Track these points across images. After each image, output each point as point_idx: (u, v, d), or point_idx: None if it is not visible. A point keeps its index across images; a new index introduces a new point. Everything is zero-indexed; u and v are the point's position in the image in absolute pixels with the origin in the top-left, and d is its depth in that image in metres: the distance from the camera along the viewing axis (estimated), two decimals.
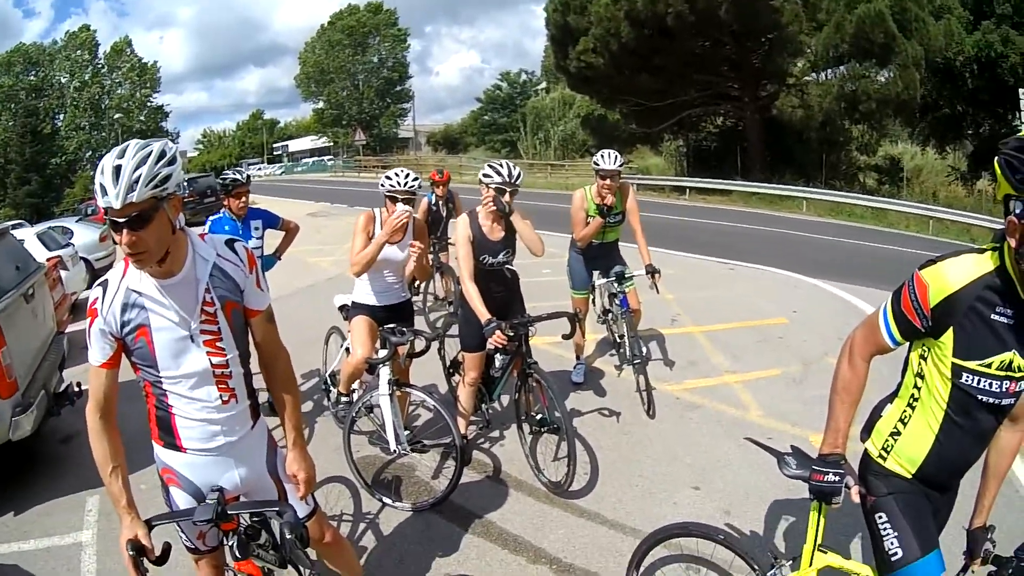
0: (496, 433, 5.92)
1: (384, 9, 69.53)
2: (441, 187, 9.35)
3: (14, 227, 11.49)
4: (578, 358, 7.05)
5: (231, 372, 2.59)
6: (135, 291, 2.41)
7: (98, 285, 2.47)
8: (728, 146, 32.49)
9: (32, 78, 62.31)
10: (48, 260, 9.66)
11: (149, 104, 66.62)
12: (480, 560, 4.29)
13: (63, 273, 10.72)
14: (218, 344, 2.53)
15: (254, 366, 2.75)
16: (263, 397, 2.91)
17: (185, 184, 27.32)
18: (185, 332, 2.45)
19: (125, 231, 2.19)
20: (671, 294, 9.66)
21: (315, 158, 67.74)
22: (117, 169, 2.17)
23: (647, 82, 28.75)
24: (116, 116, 61.18)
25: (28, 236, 12.86)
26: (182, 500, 2.70)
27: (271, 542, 2.83)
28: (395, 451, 4.79)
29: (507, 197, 4.93)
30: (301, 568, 3.04)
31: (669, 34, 26.22)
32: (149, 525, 2.49)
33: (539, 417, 5.11)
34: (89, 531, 5.18)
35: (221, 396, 2.59)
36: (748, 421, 5.98)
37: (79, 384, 6.53)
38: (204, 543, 2.82)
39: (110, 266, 17.17)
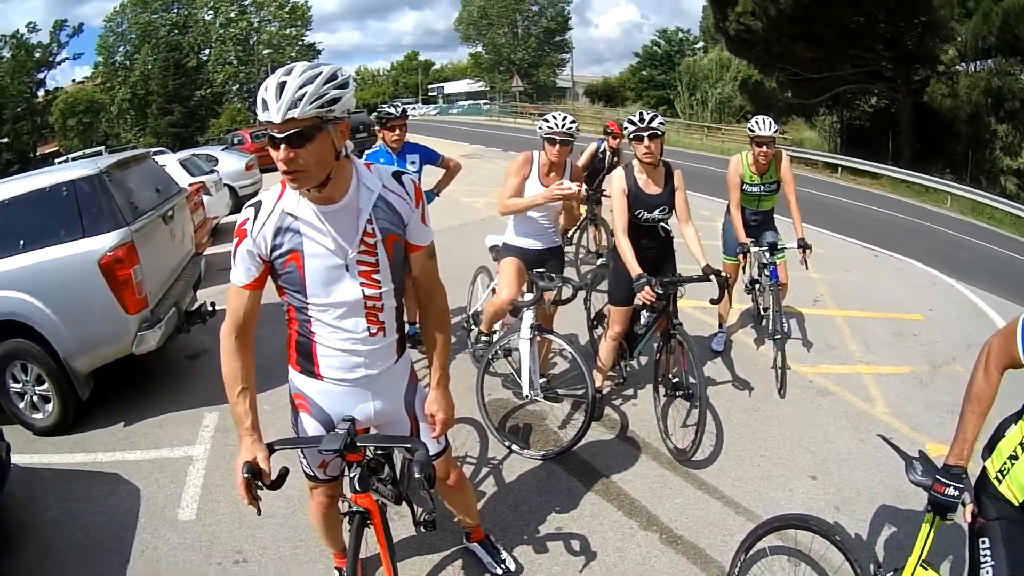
0: (630, 391, 5.84)
1: None
2: (616, 139, 9.25)
3: (156, 154, 11.98)
4: (720, 326, 6.89)
5: (383, 305, 2.54)
6: (291, 215, 2.37)
7: (250, 206, 2.43)
8: (880, 128, 31.00)
9: (174, 15, 63.93)
10: (191, 185, 10.04)
11: (301, 42, 67.48)
12: (593, 518, 4.25)
13: (206, 198, 11.15)
14: (374, 276, 2.47)
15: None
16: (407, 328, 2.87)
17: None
18: (341, 261, 2.40)
19: (283, 147, 2.14)
20: (816, 273, 9.35)
21: (470, 101, 67.36)
22: (282, 85, 2.12)
23: (804, 50, 27.69)
24: (266, 52, 62.40)
25: (170, 162, 13.40)
26: (311, 427, 2.69)
27: (391, 477, 2.78)
28: (527, 396, 4.80)
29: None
30: (415, 505, 3.00)
31: (826, 3, 25.12)
32: (271, 449, 2.46)
33: (675, 380, 5.00)
34: (202, 446, 5.36)
35: (369, 328, 2.54)
36: (872, 416, 5.71)
37: (213, 304, 6.78)
38: (325, 472, 2.82)
39: (254, 194, 17.95)
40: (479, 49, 70.91)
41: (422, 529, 2.88)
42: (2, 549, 4.40)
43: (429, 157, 6.30)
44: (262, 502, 2.42)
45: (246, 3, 66.05)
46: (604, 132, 9.52)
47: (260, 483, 2.39)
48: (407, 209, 2.52)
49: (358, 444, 2.48)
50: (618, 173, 4.99)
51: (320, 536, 3.35)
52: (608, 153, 9.40)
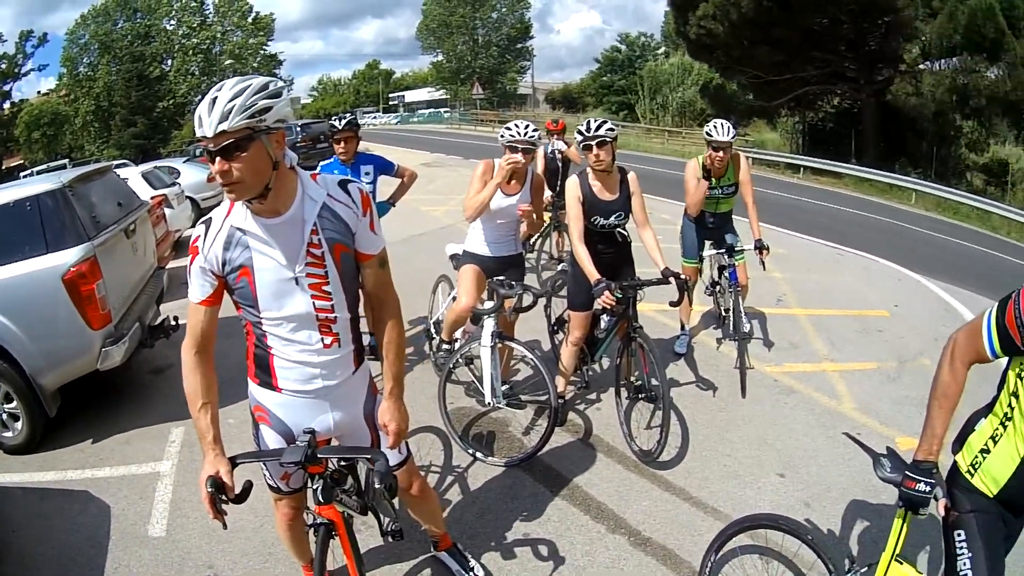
0: (593, 396, 5.88)
1: None
2: (557, 136, 9.39)
3: (118, 166, 11.89)
4: (683, 328, 6.94)
5: (336, 317, 2.55)
6: (239, 229, 2.39)
7: (202, 223, 2.47)
8: (843, 128, 31.52)
9: (137, 23, 63.44)
10: (152, 198, 10.00)
11: (263, 52, 67.38)
12: (561, 523, 4.27)
13: (167, 211, 11.15)
14: (324, 288, 2.48)
15: (363, 310, 2.71)
16: (366, 339, 2.88)
17: (298, 128, 28.07)
18: (289, 274, 2.42)
19: (218, 159, 2.18)
20: (779, 273, 9.46)
21: (431, 110, 67.77)
22: (213, 100, 2.17)
23: (766, 54, 27.99)
24: (228, 63, 62.12)
25: (133, 175, 13.36)
26: (271, 439, 2.71)
27: (355, 488, 2.79)
28: (490, 404, 4.81)
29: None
30: (381, 516, 3.03)
31: (788, 7, 25.49)
32: (233, 463, 2.47)
33: (638, 383, 5.04)
34: (169, 462, 5.34)
35: (323, 339, 2.56)
36: (840, 413, 5.79)
37: (176, 318, 6.75)
38: (288, 484, 2.84)
39: (217, 206, 17.92)
40: (440, 58, 71.45)
41: (389, 539, 2.90)
42: None
43: (384, 167, 6.31)
44: (229, 516, 2.43)
45: (208, 13, 65.87)
46: (548, 134, 9.58)
47: (224, 497, 2.40)
48: (353, 218, 2.51)
49: (319, 456, 2.49)
50: (572, 181, 5.02)
51: (288, 548, 3.35)
52: (557, 152, 9.45)
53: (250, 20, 66.36)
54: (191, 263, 2.45)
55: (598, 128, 4.76)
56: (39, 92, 69.54)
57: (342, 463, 2.72)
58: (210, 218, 2.47)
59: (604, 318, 5.32)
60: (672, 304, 5.06)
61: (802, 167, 28.62)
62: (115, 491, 5.02)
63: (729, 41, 28.33)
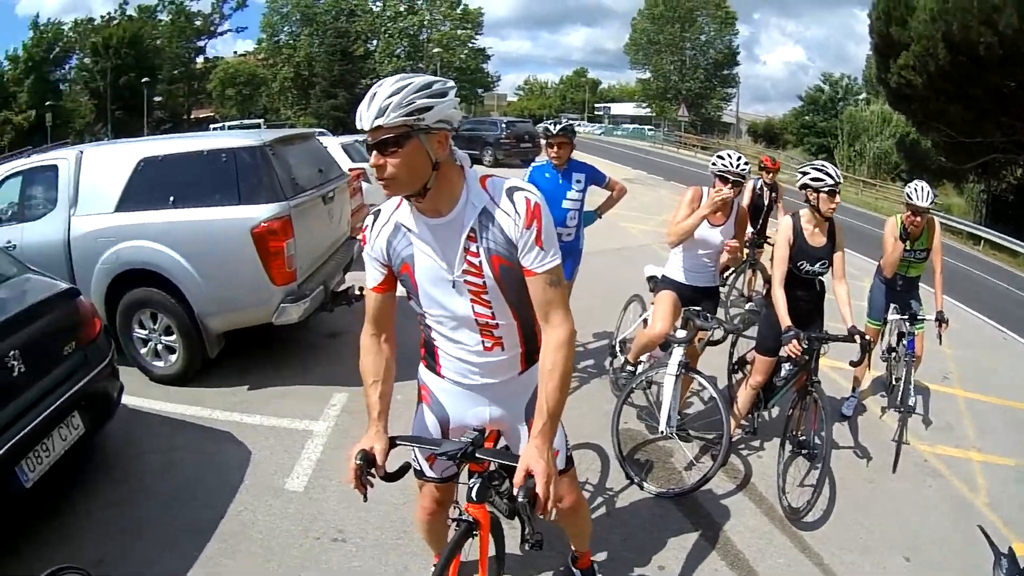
0: (757, 442, 5.73)
1: None
2: (770, 174, 9.21)
3: (319, 134, 12.22)
4: (853, 390, 6.69)
5: (497, 323, 2.49)
6: (404, 225, 2.41)
7: (371, 213, 2.51)
8: None
9: (337, 1, 65.52)
10: (351, 170, 10.19)
11: (471, 45, 68.47)
12: (697, 564, 4.18)
13: (364, 184, 11.27)
14: (483, 296, 2.42)
15: None
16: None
17: (503, 125, 28.92)
18: (448, 277, 2.39)
19: (374, 153, 2.19)
20: (948, 348, 8.97)
21: (635, 125, 67.18)
22: (373, 95, 2.17)
23: (959, 113, 26.42)
24: (436, 51, 63.20)
25: (333, 145, 13.51)
26: (429, 422, 2.75)
27: (508, 491, 2.74)
28: (662, 432, 4.78)
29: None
30: (528, 522, 3.00)
31: (980, 63, 24.01)
32: (393, 443, 2.49)
33: (802, 438, 4.93)
34: (325, 423, 5.46)
35: (483, 343, 2.53)
36: (972, 504, 5.48)
37: (360, 289, 6.86)
38: (431, 469, 2.82)
39: None
40: (647, 75, 70.95)
41: (527, 547, 2.88)
42: (85, 480, 4.63)
43: (595, 178, 6.17)
44: (376, 489, 2.45)
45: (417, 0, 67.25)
46: (759, 168, 9.44)
47: (373, 472, 2.41)
48: (515, 229, 2.33)
49: (477, 455, 2.46)
50: (786, 222, 5.01)
51: (422, 536, 3.36)
52: (765, 189, 9.27)
53: (459, 11, 67.49)
54: (362, 251, 2.52)
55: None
56: (235, 52, 73.96)
57: (502, 466, 2.65)
58: (379, 209, 2.51)
59: (785, 366, 5.24)
60: (852, 364, 4.95)
61: (983, 239, 27.05)
62: (261, 439, 5.21)
63: (927, 94, 26.91)
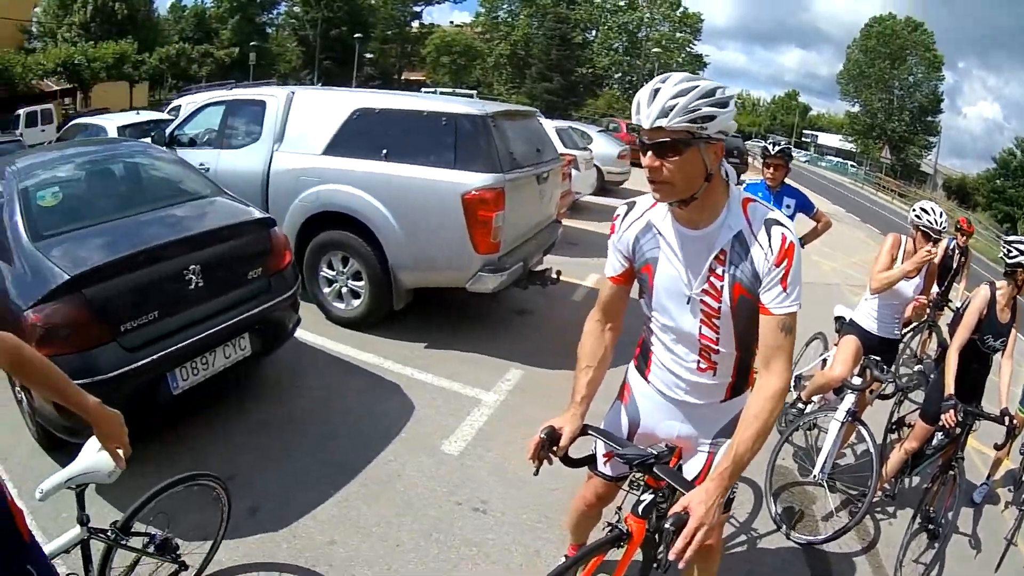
0: (892, 508, 5.45)
1: (922, 28, 65.28)
2: (964, 237, 8.84)
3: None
4: (989, 476, 6.26)
5: (718, 349, 2.41)
6: (655, 226, 2.35)
7: (626, 203, 2.46)
8: None
9: None
10: (563, 155, 10.35)
11: (689, 50, 67.72)
12: None
13: (574, 172, 11.43)
14: (714, 320, 2.34)
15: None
16: None
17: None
18: (686, 292, 2.33)
19: (650, 154, 2.11)
20: None
21: (839, 159, 66.34)
22: (656, 91, 2.07)
23: None
24: (655, 50, 62.85)
25: (547, 127, 13.80)
26: (621, 418, 2.73)
27: (664, 511, 2.62)
28: (815, 477, 4.67)
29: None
30: (665, 545, 2.91)
31: None
32: (583, 430, 2.47)
33: (932, 514, 4.71)
34: (495, 395, 5.51)
35: (699, 362, 2.45)
36: None
37: (558, 272, 7.00)
38: (606, 466, 2.78)
39: (620, 183, 18.50)
40: (856, 108, 69.21)
41: (654, 566, 2.78)
42: (239, 399, 4.92)
43: (805, 206, 6.04)
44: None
45: None
46: (955, 229, 9.00)
47: (555, 450, 2.42)
48: (764, 264, 2.21)
49: (655, 470, 2.39)
50: (984, 291, 4.80)
51: (569, 521, 3.34)
52: (957, 251, 8.84)
53: (678, 13, 66.98)
54: (608, 237, 2.48)
55: None
56: (451, 22, 76.39)
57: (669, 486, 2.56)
58: (634, 202, 2.46)
59: (938, 435, 5.05)
60: (996, 447, 4.86)
61: None
62: (428, 398, 5.33)
63: None
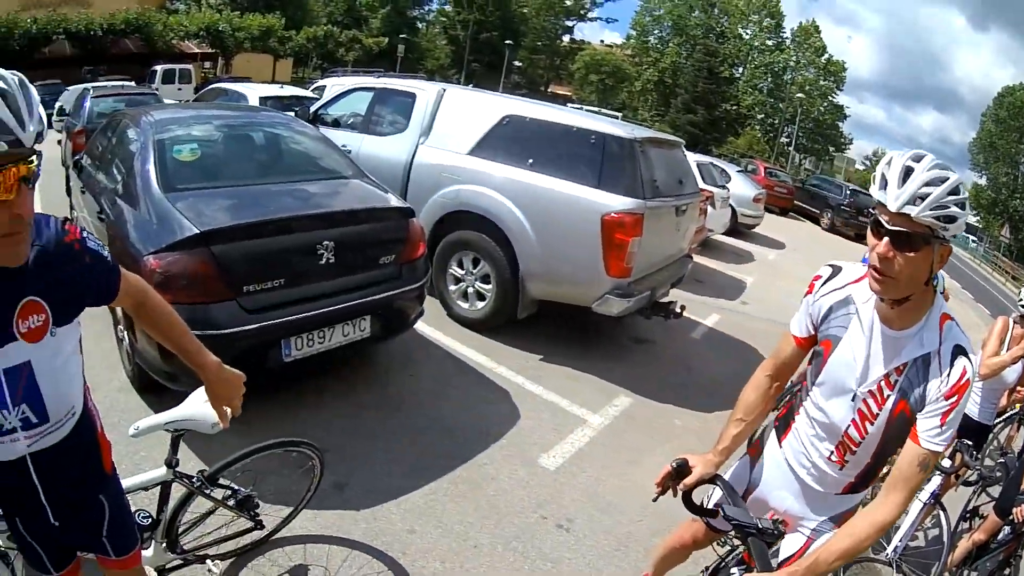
0: None
1: None
2: None
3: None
4: None
5: (856, 451, 2.30)
6: (855, 304, 2.22)
7: (830, 265, 2.34)
8: None
9: (709, 18, 65.55)
10: (701, 190, 10.30)
11: (831, 98, 65.84)
12: None
13: (709, 208, 11.32)
14: (866, 424, 2.23)
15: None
16: None
17: (848, 192, 28.37)
18: (852, 387, 2.22)
19: (886, 240, 1.91)
20: None
21: (963, 232, 63.74)
22: (908, 171, 1.88)
23: None
24: (798, 95, 61.33)
25: (690, 160, 13.79)
26: (739, 475, 2.69)
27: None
28: (886, 556, 4.45)
29: None
30: None
31: None
32: (714, 477, 2.42)
33: None
34: (602, 419, 5.48)
35: (833, 453, 2.36)
36: None
37: (682, 307, 6.90)
38: (710, 514, 2.66)
39: (752, 226, 18.22)
40: (983, 181, 66.06)
41: None
42: (349, 379, 5.02)
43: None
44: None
45: (785, 38, 66.10)
46: None
47: (678, 484, 2.40)
48: (936, 392, 2.06)
49: (749, 541, 2.33)
50: None
51: (656, 555, 3.28)
52: None
53: (823, 60, 65.47)
54: (806, 295, 2.38)
55: None
56: (601, 41, 76.47)
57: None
58: (840, 268, 2.33)
59: (1005, 530, 4.81)
60: None
61: None
62: (535, 409, 5.36)
63: None
